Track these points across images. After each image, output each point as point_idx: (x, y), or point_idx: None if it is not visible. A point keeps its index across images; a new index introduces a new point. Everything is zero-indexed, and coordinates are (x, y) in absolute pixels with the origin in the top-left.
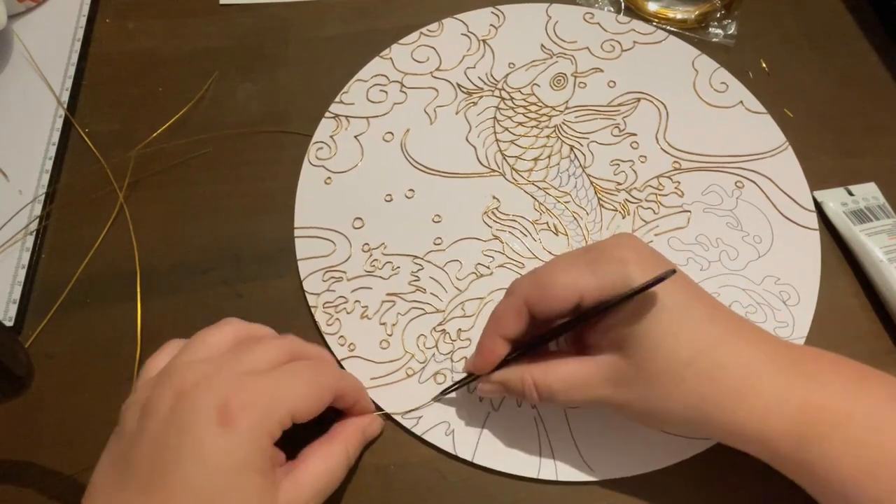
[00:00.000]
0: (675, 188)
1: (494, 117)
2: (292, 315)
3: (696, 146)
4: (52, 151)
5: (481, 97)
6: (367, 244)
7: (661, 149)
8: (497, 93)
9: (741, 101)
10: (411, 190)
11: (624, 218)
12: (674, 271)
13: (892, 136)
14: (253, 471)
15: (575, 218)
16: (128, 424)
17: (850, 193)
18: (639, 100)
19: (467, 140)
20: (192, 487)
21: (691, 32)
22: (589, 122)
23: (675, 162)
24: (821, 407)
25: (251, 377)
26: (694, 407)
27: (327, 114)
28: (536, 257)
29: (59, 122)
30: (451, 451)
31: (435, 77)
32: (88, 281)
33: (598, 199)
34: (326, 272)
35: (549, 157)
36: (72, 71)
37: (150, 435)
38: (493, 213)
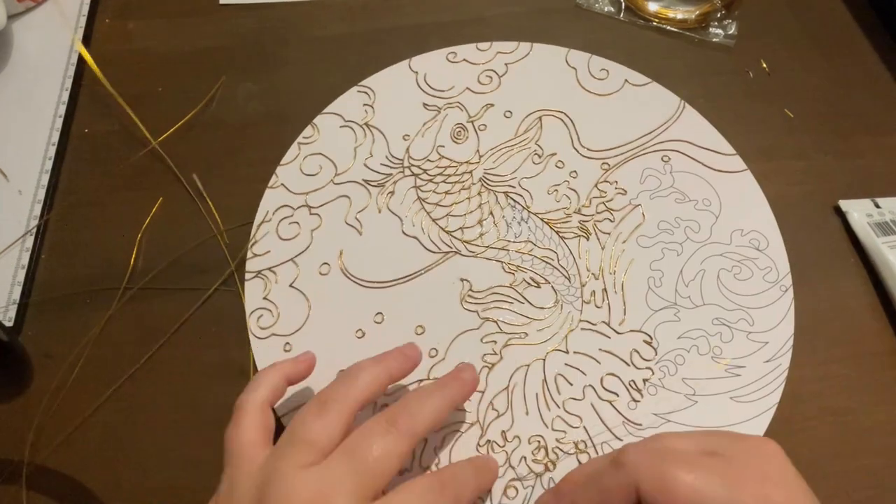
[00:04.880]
0: (616, 188)
1: (418, 197)
2: None
3: (612, 140)
4: (52, 151)
5: (395, 183)
6: None
7: (584, 156)
8: (407, 171)
9: (626, 80)
10: (379, 314)
11: (588, 239)
12: None
13: (892, 136)
14: None
15: (546, 262)
16: None
17: (877, 206)
18: (540, 118)
19: (405, 234)
20: None
21: (691, 32)
22: (507, 160)
23: (602, 164)
24: None
25: None
26: None
27: (248, 275)
28: (532, 318)
29: (59, 123)
30: None
31: (337, 184)
32: (88, 281)
33: (556, 232)
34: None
35: (490, 213)
36: (72, 71)
37: None
38: (469, 296)
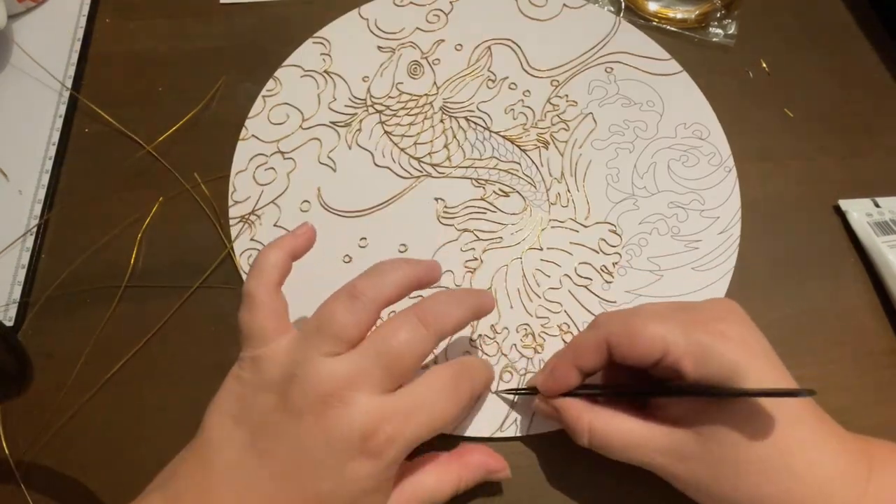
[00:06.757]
0: (567, 101)
1: (384, 132)
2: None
3: (557, 59)
4: (52, 151)
5: (361, 121)
6: None
7: (534, 76)
8: (371, 109)
9: (564, 4)
10: (363, 239)
11: (547, 149)
12: (812, 392)
13: (892, 136)
14: (382, 492)
15: (512, 173)
16: (261, 402)
17: (877, 205)
18: (489, 47)
19: (377, 165)
20: (325, 499)
21: (691, 32)
22: (463, 88)
23: (552, 81)
24: None
25: (395, 403)
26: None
27: (232, 220)
28: (506, 224)
29: (59, 122)
30: None
31: (306, 129)
32: (88, 280)
33: (517, 147)
34: None
35: (454, 137)
36: (72, 71)
37: (294, 433)
38: (444, 213)
